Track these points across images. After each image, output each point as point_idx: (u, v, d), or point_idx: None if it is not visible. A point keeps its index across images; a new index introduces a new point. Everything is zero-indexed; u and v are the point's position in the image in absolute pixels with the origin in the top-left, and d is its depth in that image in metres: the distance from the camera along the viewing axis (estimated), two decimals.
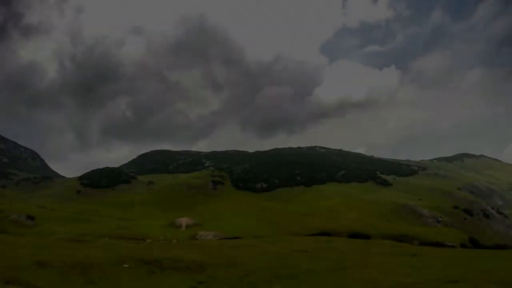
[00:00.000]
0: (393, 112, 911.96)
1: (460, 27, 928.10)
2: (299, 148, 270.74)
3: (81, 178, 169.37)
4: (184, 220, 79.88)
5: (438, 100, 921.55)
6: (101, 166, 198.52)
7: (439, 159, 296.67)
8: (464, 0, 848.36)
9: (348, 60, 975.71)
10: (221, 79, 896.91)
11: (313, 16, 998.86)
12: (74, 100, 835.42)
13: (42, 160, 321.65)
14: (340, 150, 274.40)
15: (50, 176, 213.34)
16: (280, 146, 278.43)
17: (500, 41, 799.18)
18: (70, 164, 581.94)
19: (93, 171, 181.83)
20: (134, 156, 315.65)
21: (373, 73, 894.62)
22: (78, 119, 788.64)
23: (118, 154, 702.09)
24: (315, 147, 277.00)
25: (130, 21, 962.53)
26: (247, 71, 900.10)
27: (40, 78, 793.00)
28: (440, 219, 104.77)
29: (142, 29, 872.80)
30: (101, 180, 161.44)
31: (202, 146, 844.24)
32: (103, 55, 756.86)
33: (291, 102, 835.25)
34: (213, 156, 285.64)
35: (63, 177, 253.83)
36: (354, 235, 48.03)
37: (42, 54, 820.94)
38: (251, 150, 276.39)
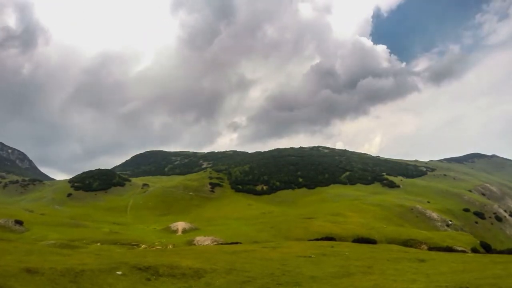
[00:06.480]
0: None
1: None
2: (301, 148, 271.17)
3: (72, 180, 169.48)
4: (180, 225, 79.92)
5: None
6: (93, 167, 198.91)
7: (448, 160, 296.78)
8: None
9: None
10: None
11: None
12: None
13: (30, 161, 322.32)
14: (345, 150, 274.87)
15: (39, 179, 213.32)
16: (281, 146, 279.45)
17: None
18: (60, 165, 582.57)
19: (84, 173, 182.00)
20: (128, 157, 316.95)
21: None
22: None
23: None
24: (318, 147, 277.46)
25: None
26: None
27: None
28: (450, 222, 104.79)
29: None
30: (93, 183, 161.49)
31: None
32: None
33: None
34: (211, 157, 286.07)
35: (53, 179, 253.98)
36: (359, 240, 47.95)
37: None
38: (250, 151, 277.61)
